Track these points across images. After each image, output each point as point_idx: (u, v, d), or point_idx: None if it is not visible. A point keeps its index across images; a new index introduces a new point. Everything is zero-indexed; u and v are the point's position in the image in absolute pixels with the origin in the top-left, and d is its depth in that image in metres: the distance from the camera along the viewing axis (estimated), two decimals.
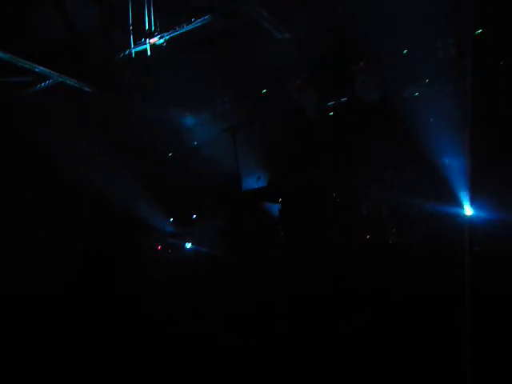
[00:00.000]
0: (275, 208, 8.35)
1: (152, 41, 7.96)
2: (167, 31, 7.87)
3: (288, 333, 5.17)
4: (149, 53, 8.07)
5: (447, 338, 4.53)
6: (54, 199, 9.28)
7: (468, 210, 7.43)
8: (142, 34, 7.95)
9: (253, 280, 7.27)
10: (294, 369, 4.38)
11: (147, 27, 7.90)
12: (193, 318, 6.38)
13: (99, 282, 8.06)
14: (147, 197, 10.19)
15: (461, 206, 7.51)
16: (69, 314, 6.63)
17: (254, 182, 8.56)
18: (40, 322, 6.32)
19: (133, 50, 8.15)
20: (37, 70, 8.17)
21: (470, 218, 7.35)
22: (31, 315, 6.58)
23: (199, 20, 7.66)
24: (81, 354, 5.18)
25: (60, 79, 8.54)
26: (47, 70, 8.23)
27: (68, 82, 8.62)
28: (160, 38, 7.95)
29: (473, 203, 7.42)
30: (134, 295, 7.64)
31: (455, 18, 8.01)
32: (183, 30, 7.81)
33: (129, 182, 10.11)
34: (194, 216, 10.17)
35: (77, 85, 8.74)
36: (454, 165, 7.78)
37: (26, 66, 8.01)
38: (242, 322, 5.69)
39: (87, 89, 8.93)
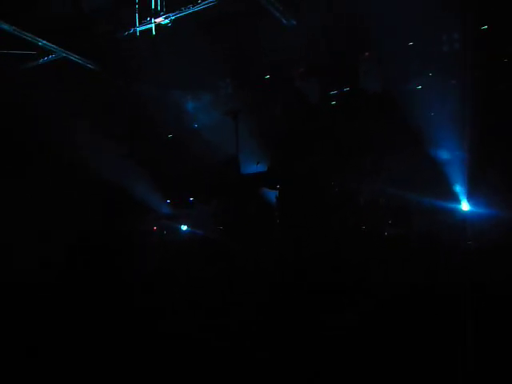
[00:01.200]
0: (273, 194, 8.35)
1: (157, 20, 7.94)
2: (173, 11, 7.84)
3: (282, 325, 5.18)
4: (154, 32, 8.05)
5: (442, 332, 4.56)
6: (49, 178, 9.24)
7: (465, 205, 7.48)
8: (148, 13, 7.93)
9: (248, 267, 7.30)
10: (290, 364, 4.38)
11: (153, 6, 7.87)
12: (187, 306, 6.38)
13: (92, 265, 8.04)
14: (145, 178, 10.17)
15: (458, 200, 7.56)
16: (62, 301, 6.59)
17: (253, 166, 8.55)
18: (31, 311, 6.25)
19: (138, 29, 8.13)
20: (40, 43, 8.13)
21: (467, 213, 7.39)
22: (20, 305, 6.51)
23: (205, 2, 7.62)
24: (73, 345, 5.11)
25: (63, 54, 8.50)
26: (50, 45, 8.18)
27: (71, 57, 8.58)
28: (165, 19, 7.93)
29: (470, 198, 7.47)
30: (128, 279, 7.64)
31: (460, 12, 8.01)
32: (189, 11, 7.78)
33: (126, 163, 10.09)
34: (191, 199, 10.16)
35: (80, 61, 8.70)
36: (454, 159, 7.81)
37: (29, 38, 7.96)
38: (235, 312, 5.69)
39: (90, 66, 8.88)
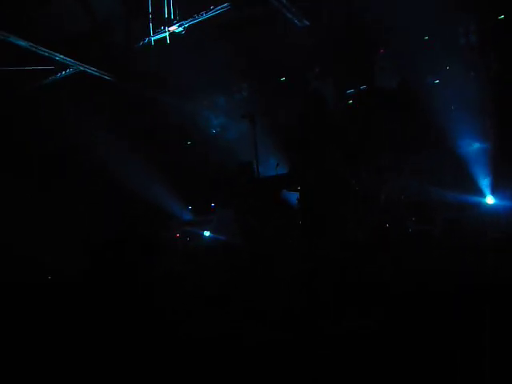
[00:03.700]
0: (294, 196, 8.32)
1: (171, 29, 7.98)
2: (186, 19, 7.88)
3: (300, 330, 5.14)
4: (168, 41, 8.10)
5: (467, 327, 4.47)
6: (73, 187, 9.37)
7: (489, 199, 7.38)
8: (162, 22, 7.98)
9: (269, 271, 7.27)
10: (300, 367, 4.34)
11: (166, 15, 7.92)
12: (208, 309, 6.38)
13: (115, 270, 8.11)
14: (166, 185, 10.24)
15: (482, 194, 7.46)
16: (83, 303, 6.67)
17: (272, 169, 8.54)
18: (55, 311, 6.34)
19: (152, 38, 8.18)
20: (57, 58, 8.21)
21: (492, 207, 7.29)
22: (44, 304, 6.62)
23: (218, 8, 7.64)
24: (92, 344, 5.16)
25: (80, 68, 8.59)
26: (68, 59, 8.28)
27: (88, 70, 8.67)
28: (179, 26, 7.96)
29: (494, 192, 7.36)
30: (151, 283, 7.69)
31: (476, 4, 7.91)
32: (202, 18, 7.80)
33: (148, 170, 10.17)
34: (213, 204, 10.20)
35: (97, 73, 8.79)
36: (476, 153, 7.72)
37: (46, 54, 8.05)
38: (254, 316, 5.67)
39: (107, 77, 8.97)
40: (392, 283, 5.89)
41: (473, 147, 7.76)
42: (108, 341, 5.15)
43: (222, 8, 7.63)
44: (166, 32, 8.00)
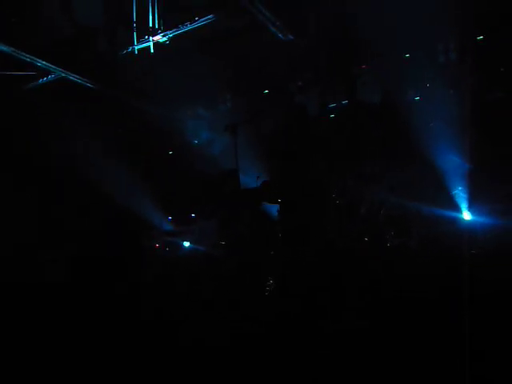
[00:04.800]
0: (274, 208, 8.35)
1: (155, 38, 7.98)
2: (171, 29, 7.89)
3: (284, 335, 5.17)
4: (152, 50, 8.10)
5: (444, 339, 4.55)
6: (52, 196, 9.28)
7: (467, 214, 7.47)
8: (146, 32, 7.98)
9: (250, 281, 7.28)
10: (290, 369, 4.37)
11: (151, 25, 7.92)
12: (189, 318, 6.36)
13: (96, 279, 8.04)
14: (146, 195, 10.19)
15: (460, 209, 7.55)
16: (64, 314, 6.60)
17: (253, 181, 8.57)
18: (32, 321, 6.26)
19: (136, 47, 8.17)
20: (39, 64, 8.16)
21: (469, 222, 7.38)
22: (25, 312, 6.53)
23: (203, 19, 7.67)
24: (74, 353, 5.11)
25: (62, 74, 8.53)
26: (49, 65, 8.22)
27: (70, 77, 8.61)
28: (163, 36, 7.97)
29: (472, 207, 7.46)
30: (131, 293, 7.64)
31: (456, 23, 8.06)
32: (187, 29, 7.82)
33: (128, 179, 10.11)
34: (193, 215, 10.17)
35: (79, 80, 8.74)
36: (454, 168, 7.82)
37: (28, 59, 8.00)
38: (238, 323, 5.69)
39: (89, 84, 8.92)
40: (372, 289, 5.97)
41: (451, 163, 7.87)
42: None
43: (206, 19, 7.65)
44: (150, 41, 8.00)
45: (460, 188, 7.64)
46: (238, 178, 8.50)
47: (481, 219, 7.13)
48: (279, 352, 4.64)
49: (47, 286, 7.49)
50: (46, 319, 6.22)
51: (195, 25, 7.75)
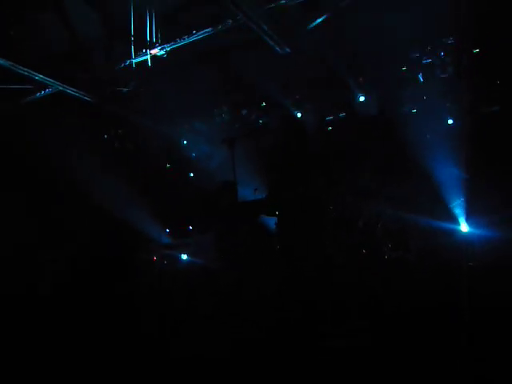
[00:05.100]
0: (272, 221, 8.32)
1: (153, 52, 7.99)
2: (168, 43, 7.91)
3: (282, 349, 5.14)
4: (149, 64, 8.11)
5: (442, 351, 4.53)
6: (49, 208, 9.27)
7: (464, 226, 7.46)
8: (143, 45, 7.99)
9: (248, 295, 7.25)
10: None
11: (148, 38, 7.94)
12: (186, 331, 6.33)
13: (92, 292, 8.00)
14: (144, 208, 10.18)
15: (457, 221, 7.54)
16: (57, 325, 6.55)
17: (250, 193, 8.55)
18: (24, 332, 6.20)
19: (133, 61, 8.19)
20: (36, 77, 8.17)
21: (466, 234, 7.37)
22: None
23: (200, 32, 7.70)
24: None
25: (60, 88, 8.55)
26: (47, 79, 8.24)
27: (68, 90, 8.63)
28: (161, 49, 7.99)
29: (469, 219, 7.45)
30: (128, 306, 7.59)
31: (453, 36, 8.11)
32: (184, 42, 7.84)
33: (126, 192, 10.11)
34: (191, 227, 10.15)
35: (76, 94, 8.75)
36: (451, 180, 7.82)
37: (26, 73, 8.01)
38: (235, 338, 5.66)
39: (87, 98, 8.94)
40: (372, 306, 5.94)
41: (448, 174, 7.88)
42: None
43: (204, 33, 7.68)
44: (147, 55, 8.01)
45: (457, 200, 7.64)
46: (235, 190, 8.48)
47: (478, 231, 7.12)
48: (276, 367, 4.60)
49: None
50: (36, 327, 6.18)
51: (193, 38, 7.77)
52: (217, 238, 9.11)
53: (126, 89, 9.21)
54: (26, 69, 7.91)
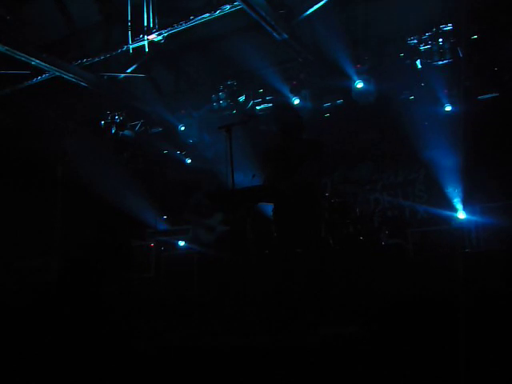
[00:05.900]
0: (269, 208, 8.31)
1: (150, 37, 7.95)
2: (165, 28, 7.86)
3: (276, 340, 5.14)
4: (146, 49, 8.08)
5: (440, 341, 4.53)
6: (43, 194, 9.23)
7: (461, 214, 7.49)
8: (141, 31, 7.95)
9: (245, 281, 7.25)
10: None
11: (146, 24, 7.89)
12: (183, 319, 6.34)
13: (87, 280, 7.99)
14: (141, 194, 10.17)
15: (454, 209, 7.57)
16: (53, 315, 6.53)
17: (248, 180, 8.54)
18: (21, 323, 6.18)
19: (130, 46, 8.15)
20: (33, 63, 8.10)
21: (463, 221, 7.40)
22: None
23: (198, 18, 7.64)
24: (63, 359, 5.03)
25: (57, 73, 8.49)
26: (43, 64, 8.17)
27: (65, 76, 8.57)
28: (158, 35, 7.94)
29: (466, 206, 7.48)
30: (124, 294, 7.59)
31: (451, 22, 8.09)
32: (182, 28, 7.79)
33: (122, 179, 10.09)
34: (188, 214, 10.14)
35: (73, 79, 8.70)
36: (449, 168, 7.84)
37: (23, 58, 7.94)
38: (232, 326, 5.66)
39: (84, 83, 8.88)
40: (367, 292, 5.96)
41: (447, 162, 7.89)
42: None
43: (201, 18, 7.63)
44: (144, 40, 7.97)
45: (454, 187, 7.67)
46: (233, 178, 8.46)
47: (476, 218, 7.15)
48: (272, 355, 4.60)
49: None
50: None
51: (190, 23, 7.72)
52: (214, 224, 9.14)
53: (122, 74, 9.16)
54: (22, 54, 7.84)
